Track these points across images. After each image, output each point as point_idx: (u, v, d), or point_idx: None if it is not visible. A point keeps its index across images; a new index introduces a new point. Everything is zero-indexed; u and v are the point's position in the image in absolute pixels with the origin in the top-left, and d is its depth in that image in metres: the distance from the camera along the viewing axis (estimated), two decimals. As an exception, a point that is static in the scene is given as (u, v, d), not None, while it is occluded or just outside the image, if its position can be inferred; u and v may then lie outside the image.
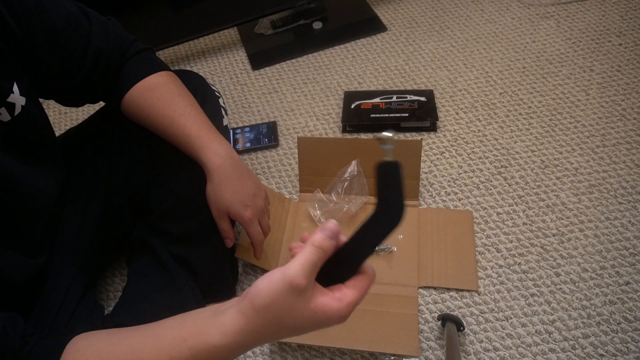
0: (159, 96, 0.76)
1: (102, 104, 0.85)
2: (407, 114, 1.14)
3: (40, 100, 0.72)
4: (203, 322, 0.48)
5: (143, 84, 0.76)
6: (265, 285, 0.44)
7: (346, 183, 0.97)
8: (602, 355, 0.78)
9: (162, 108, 0.75)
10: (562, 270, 0.88)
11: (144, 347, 0.50)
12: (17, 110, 0.64)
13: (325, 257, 0.45)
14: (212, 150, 0.74)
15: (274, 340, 0.49)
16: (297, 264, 0.43)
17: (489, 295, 0.87)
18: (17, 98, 0.63)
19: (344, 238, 0.47)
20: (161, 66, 0.80)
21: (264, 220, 0.81)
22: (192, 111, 0.76)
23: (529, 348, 0.80)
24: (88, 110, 0.87)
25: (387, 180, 0.45)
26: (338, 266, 0.47)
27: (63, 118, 1.36)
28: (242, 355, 0.85)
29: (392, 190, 0.45)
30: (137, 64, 0.77)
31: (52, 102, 0.85)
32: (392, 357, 0.80)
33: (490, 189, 1.02)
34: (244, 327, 0.45)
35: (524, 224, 0.96)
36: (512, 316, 0.84)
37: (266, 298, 0.44)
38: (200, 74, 0.94)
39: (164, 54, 1.50)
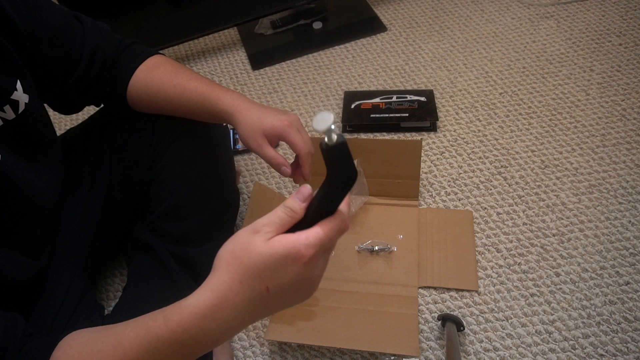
0: (164, 70, 0.77)
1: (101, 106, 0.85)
2: (407, 114, 1.14)
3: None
4: (183, 299, 0.48)
5: (145, 65, 0.78)
6: (231, 239, 0.46)
7: (346, 183, 0.97)
8: (602, 355, 0.78)
9: (170, 78, 0.77)
10: (562, 270, 0.88)
11: (126, 330, 0.49)
12: (21, 107, 0.64)
13: (295, 219, 0.45)
14: (229, 96, 0.75)
15: (252, 306, 0.46)
16: (265, 217, 0.45)
17: (489, 295, 0.87)
18: (20, 95, 0.63)
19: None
20: (154, 52, 0.81)
21: (304, 132, 0.75)
22: (199, 76, 0.78)
23: (529, 348, 0.80)
24: (88, 110, 0.87)
25: (337, 154, 0.43)
26: (302, 222, 0.46)
27: (63, 118, 1.36)
28: (242, 356, 0.85)
29: (343, 160, 0.43)
30: (133, 52, 0.79)
31: (52, 102, 0.86)
32: (392, 357, 0.80)
33: (490, 189, 1.02)
34: (213, 283, 0.45)
35: (524, 224, 0.96)
36: (512, 316, 0.84)
37: (229, 245, 0.45)
38: (200, 73, 0.94)
39: (163, 54, 1.49)
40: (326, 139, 0.42)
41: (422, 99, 1.18)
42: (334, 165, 0.43)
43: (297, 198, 0.45)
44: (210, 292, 0.45)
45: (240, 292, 0.45)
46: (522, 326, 0.83)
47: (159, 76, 0.77)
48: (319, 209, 0.45)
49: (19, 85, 0.63)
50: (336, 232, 0.45)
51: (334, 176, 0.44)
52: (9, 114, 0.63)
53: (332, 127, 0.40)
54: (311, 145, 0.74)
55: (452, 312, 0.85)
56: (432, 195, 1.03)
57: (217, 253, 0.46)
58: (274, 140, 0.74)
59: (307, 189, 0.45)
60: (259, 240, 0.44)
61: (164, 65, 0.78)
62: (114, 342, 0.49)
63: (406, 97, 1.19)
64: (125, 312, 0.77)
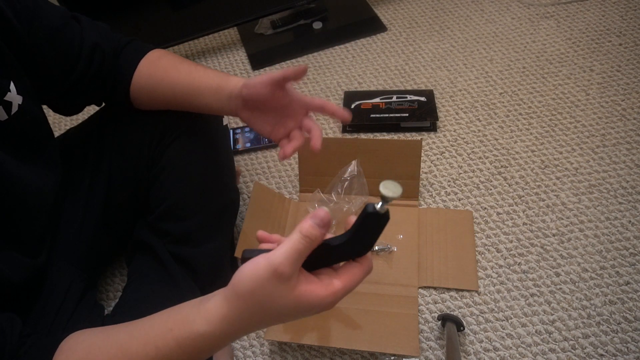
0: (167, 62, 0.77)
1: (101, 105, 0.85)
2: (407, 114, 1.14)
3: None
4: (188, 311, 0.49)
5: (147, 58, 0.78)
6: (249, 271, 0.43)
7: (346, 183, 0.97)
8: (602, 355, 0.78)
9: (175, 66, 0.77)
10: (562, 270, 0.88)
11: (132, 340, 0.50)
12: (14, 109, 0.64)
13: (312, 246, 0.44)
14: (235, 79, 0.74)
15: (259, 328, 0.48)
16: (283, 251, 0.43)
17: (489, 295, 0.87)
18: (13, 97, 0.63)
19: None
20: (154, 47, 0.81)
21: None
22: (201, 66, 0.78)
23: (529, 348, 0.80)
24: (88, 111, 0.87)
25: (371, 226, 0.45)
26: (323, 258, 0.47)
27: (63, 118, 1.36)
28: (242, 356, 0.85)
29: (369, 235, 0.46)
30: (133, 49, 0.79)
31: (52, 102, 0.86)
32: (392, 357, 0.80)
33: (490, 189, 1.02)
34: (227, 313, 0.45)
35: (524, 224, 0.96)
36: (512, 316, 0.84)
37: (249, 284, 0.43)
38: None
39: (164, 54, 1.49)
40: (379, 205, 0.44)
41: (422, 99, 1.18)
42: (366, 229, 0.46)
43: (314, 223, 0.43)
44: (225, 322, 0.46)
45: (254, 324, 0.47)
46: (522, 326, 0.83)
47: (163, 66, 0.77)
48: (341, 254, 0.47)
49: (12, 86, 0.63)
50: (361, 279, 0.47)
51: (361, 237, 0.46)
52: (1, 114, 0.63)
53: (391, 200, 0.43)
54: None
55: (452, 312, 0.85)
56: (432, 195, 1.03)
57: (232, 280, 0.45)
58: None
59: (323, 212, 0.44)
60: (285, 292, 0.44)
61: (166, 57, 0.79)
62: (119, 352, 0.50)
63: (406, 97, 1.19)
64: (125, 312, 0.77)
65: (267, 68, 1.38)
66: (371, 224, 0.45)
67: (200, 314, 0.47)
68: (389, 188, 0.42)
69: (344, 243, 0.46)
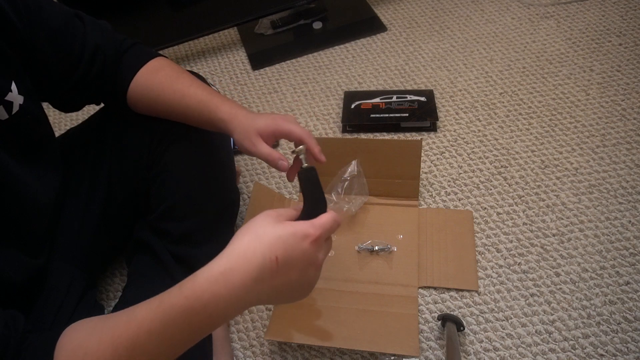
0: (165, 75, 0.77)
1: (101, 105, 0.85)
2: (407, 114, 1.14)
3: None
4: (174, 287, 0.51)
5: (147, 67, 0.78)
6: (246, 223, 0.54)
7: (346, 183, 0.97)
8: (602, 355, 0.78)
9: (171, 83, 0.76)
10: (562, 270, 0.88)
11: (137, 307, 0.51)
12: (15, 108, 0.64)
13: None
14: (227, 105, 0.75)
15: (261, 273, 0.51)
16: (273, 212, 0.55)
17: (489, 295, 0.87)
18: (15, 97, 0.63)
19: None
20: (156, 53, 0.81)
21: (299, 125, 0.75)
22: (199, 83, 0.78)
23: (529, 348, 0.80)
24: (88, 110, 0.87)
25: (310, 181, 0.61)
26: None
27: (63, 118, 1.36)
28: (242, 356, 0.85)
29: (314, 189, 0.61)
30: (135, 54, 0.78)
31: (52, 102, 0.86)
32: (392, 357, 0.80)
33: (490, 189, 1.02)
34: (226, 250, 0.51)
35: (524, 224, 0.96)
36: (512, 316, 0.84)
37: (244, 226, 0.53)
38: (200, 74, 0.94)
39: (163, 54, 1.49)
40: (304, 165, 0.64)
41: (422, 99, 1.18)
42: (308, 186, 0.62)
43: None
44: (223, 258, 0.51)
45: (252, 259, 0.50)
46: (522, 326, 0.83)
47: (159, 80, 0.77)
48: (313, 209, 0.59)
49: (14, 86, 0.63)
50: (333, 223, 0.56)
51: (311, 195, 0.61)
52: (2, 114, 0.63)
53: (302, 152, 0.63)
54: (309, 132, 0.72)
55: (452, 312, 0.85)
56: (432, 195, 1.03)
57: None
58: (270, 138, 0.72)
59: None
60: (274, 220, 0.52)
61: (164, 69, 0.78)
62: (126, 318, 0.50)
63: (406, 97, 1.19)
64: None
65: (267, 68, 1.38)
66: (307, 180, 0.61)
67: (206, 266, 0.51)
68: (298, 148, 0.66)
69: (305, 206, 0.59)
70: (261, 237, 0.51)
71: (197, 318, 0.49)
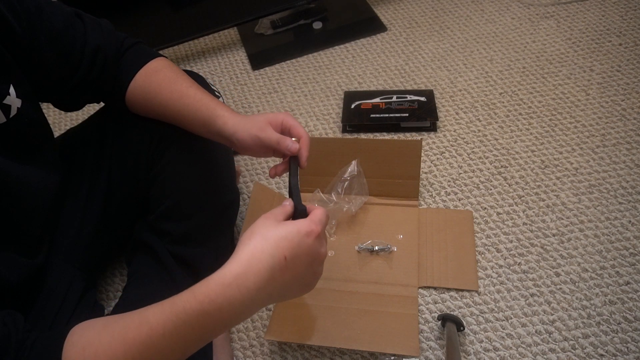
0: (163, 76, 0.77)
1: (101, 104, 0.85)
2: (407, 114, 1.14)
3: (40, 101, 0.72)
4: (184, 291, 0.52)
5: (146, 69, 0.77)
6: (249, 226, 0.56)
7: (346, 183, 0.97)
8: (602, 355, 0.78)
9: (169, 84, 0.76)
10: (562, 270, 0.88)
11: (149, 309, 0.52)
12: (13, 112, 0.64)
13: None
14: (225, 108, 0.75)
15: (272, 272, 0.53)
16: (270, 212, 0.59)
17: (489, 295, 0.87)
18: (13, 100, 0.63)
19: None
20: (156, 54, 0.81)
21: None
22: (197, 85, 0.78)
23: (529, 348, 0.80)
24: (88, 110, 0.87)
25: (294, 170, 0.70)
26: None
27: (63, 118, 1.36)
28: (242, 356, 0.85)
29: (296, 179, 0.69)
30: (135, 54, 0.78)
31: (52, 102, 0.86)
32: (392, 357, 0.80)
33: (490, 189, 1.02)
34: (236, 255, 0.53)
35: (524, 224, 0.96)
36: (512, 316, 0.84)
37: (248, 230, 0.55)
38: (200, 74, 0.94)
39: (164, 54, 1.49)
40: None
41: (422, 99, 1.18)
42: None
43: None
44: (235, 263, 0.52)
45: (262, 260, 0.52)
46: (522, 326, 0.83)
47: (158, 82, 0.76)
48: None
49: (12, 90, 0.63)
50: (326, 217, 0.59)
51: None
52: (0, 117, 0.63)
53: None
54: (308, 135, 0.74)
55: (452, 312, 0.85)
56: (432, 195, 1.03)
57: (239, 239, 0.55)
58: (278, 128, 0.73)
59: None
60: (275, 221, 0.55)
61: (163, 71, 0.78)
62: (138, 320, 0.51)
63: (406, 97, 1.19)
64: (126, 312, 0.77)
65: (267, 68, 1.38)
66: (294, 168, 0.70)
67: (218, 271, 0.52)
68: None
69: (294, 198, 0.65)
70: (267, 238, 0.53)
71: (211, 321, 0.51)
